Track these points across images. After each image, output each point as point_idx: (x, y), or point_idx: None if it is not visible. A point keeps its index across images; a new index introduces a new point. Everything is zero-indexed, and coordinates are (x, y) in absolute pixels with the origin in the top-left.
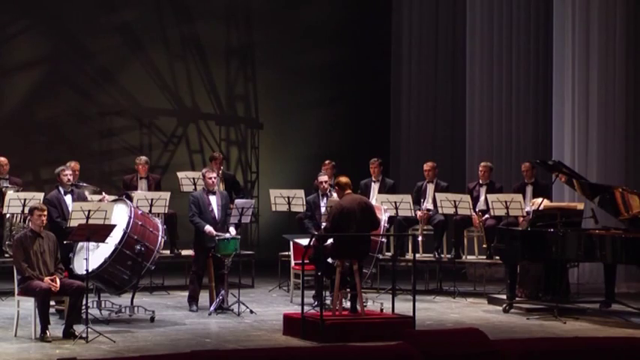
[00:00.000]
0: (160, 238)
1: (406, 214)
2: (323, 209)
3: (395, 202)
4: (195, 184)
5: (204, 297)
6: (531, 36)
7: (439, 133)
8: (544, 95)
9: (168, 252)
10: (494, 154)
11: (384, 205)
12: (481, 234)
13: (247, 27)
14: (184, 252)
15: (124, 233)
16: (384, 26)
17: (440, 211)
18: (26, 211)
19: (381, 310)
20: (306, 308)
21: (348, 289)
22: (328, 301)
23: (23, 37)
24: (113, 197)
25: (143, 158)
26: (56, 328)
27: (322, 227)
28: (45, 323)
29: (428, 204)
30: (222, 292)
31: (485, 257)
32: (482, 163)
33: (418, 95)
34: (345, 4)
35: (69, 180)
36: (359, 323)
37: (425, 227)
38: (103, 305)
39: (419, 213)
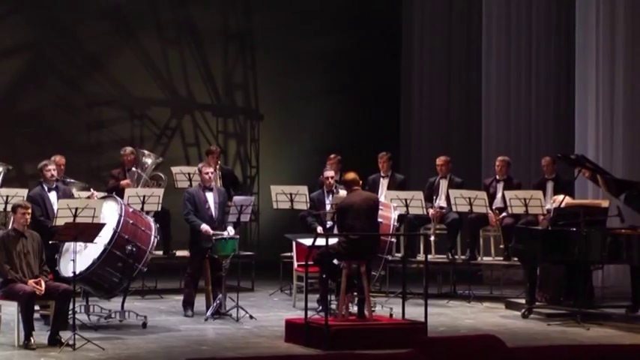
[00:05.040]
0: (152, 237)
1: (417, 212)
2: (328, 207)
3: (405, 200)
4: (190, 179)
5: (200, 301)
6: (553, 22)
7: (453, 125)
8: (566, 84)
9: (161, 253)
10: (512, 148)
11: (393, 203)
12: (498, 233)
13: (246, 11)
14: (179, 253)
15: (114, 232)
16: (394, 9)
17: (454, 209)
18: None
19: (391, 315)
20: (309, 313)
21: (355, 293)
22: (334, 306)
23: (5, 22)
24: (102, 194)
25: (128, 149)
26: (41, 335)
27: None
28: (29, 329)
29: (441, 201)
30: (220, 296)
31: (502, 258)
32: (500, 158)
33: (430, 84)
34: None
35: (52, 176)
36: (367, 329)
37: (438, 226)
38: (91, 310)
39: (431, 211)
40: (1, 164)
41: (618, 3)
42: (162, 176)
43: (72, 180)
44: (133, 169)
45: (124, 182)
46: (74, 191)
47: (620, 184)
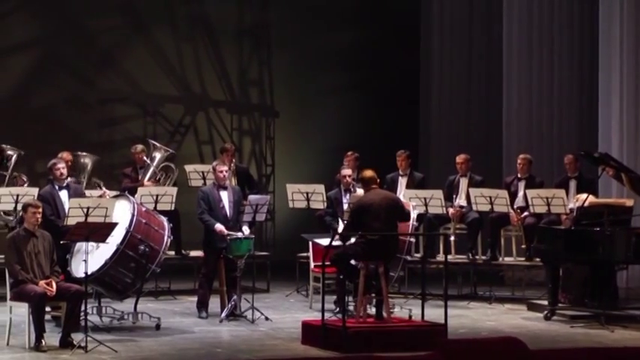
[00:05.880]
0: (165, 237)
1: (437, 211)
2: (345, 206)
3: (424, 199)
4: (204, 178)
5: (214, 302)
6: (575, 16)
7: (473, 122)
8: (589, 80)
9: (172, 253)
10: (534, 146)
11: (412, 202)
12: (520, 233)
13: (262, 5)
14: (193, 253)
15: (127, 232)
16: (413, 4)
17: (474, 208)
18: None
19: (410, 317)
20: (326, 315)
21: (373, 294)
22: (351, 307)
23: (15, 17)
24: (114, 192)
25: (139, 147)
26: (52, 337)
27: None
28: (40, 331)
29: (461, 200)
30: (235, 297)
31: (524, 259)
32: (521, 156)
33: (450, 80)
34: None
35: (62, 174)
36: (385, 331)
37: (458, 226)
38: (103, 311)
39: (451, 210)
40: (14, 149)
41: None
42: (173, 167)
43: (83, 153)
44: (144, 158)
45: (146, 183)
46: (84, 188)
47: None
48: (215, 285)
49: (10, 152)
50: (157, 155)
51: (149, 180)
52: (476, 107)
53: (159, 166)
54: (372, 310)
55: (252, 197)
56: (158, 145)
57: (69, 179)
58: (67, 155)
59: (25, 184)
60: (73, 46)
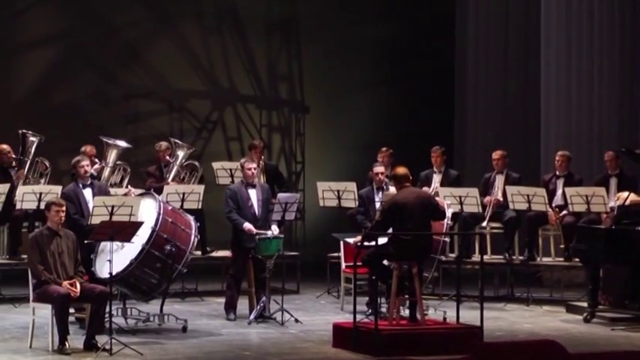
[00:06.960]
0: (192, 237)
1: (472, 209)
2: (378, 204)
3: (460, 197)
4: (232, 175)
5: (243, 304)
6: (615, 6)
7: (510, 117)
8: (631, 73)
9: (199, 253)
10: (573, 142)
11: (447, 200)
12: (558, 233)
13: None
14: (220, 253)
15: (152, 232)
16: None
17: (511, 206)
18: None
19: (444, 319)
20: (358, 317)
21: (407, 296)
22: (384, 309)
23: (37, 10)
24: (140, 191)
25: (164, 144)
26: (76, 339)
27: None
28: (63, 333)
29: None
30: (264, 298)
31: (563, 259)
32: (560, 152)
33: (486, 75)
34: None
35: (86, 172)
36: (419, 334)
37: (494, 225)
38: (128, 313)
39: (487, 198)
40: (35, 134)
41: None
42: (198, 165)
43: (108, 139)
44: (167, 156)
45: (171, 182)
46: (110, 188)
47: None
48: (243, 286)
49: (32, 138)
50: (180, 153)
51: (173, 180)
52: (513, 102)
53: (182, 165)
54: (405, 312)
55: (281, 195)
56: (180, 142)
57: (95, 166)
58: (91, 150)
59: (48, 169)
60: (96, 40)
